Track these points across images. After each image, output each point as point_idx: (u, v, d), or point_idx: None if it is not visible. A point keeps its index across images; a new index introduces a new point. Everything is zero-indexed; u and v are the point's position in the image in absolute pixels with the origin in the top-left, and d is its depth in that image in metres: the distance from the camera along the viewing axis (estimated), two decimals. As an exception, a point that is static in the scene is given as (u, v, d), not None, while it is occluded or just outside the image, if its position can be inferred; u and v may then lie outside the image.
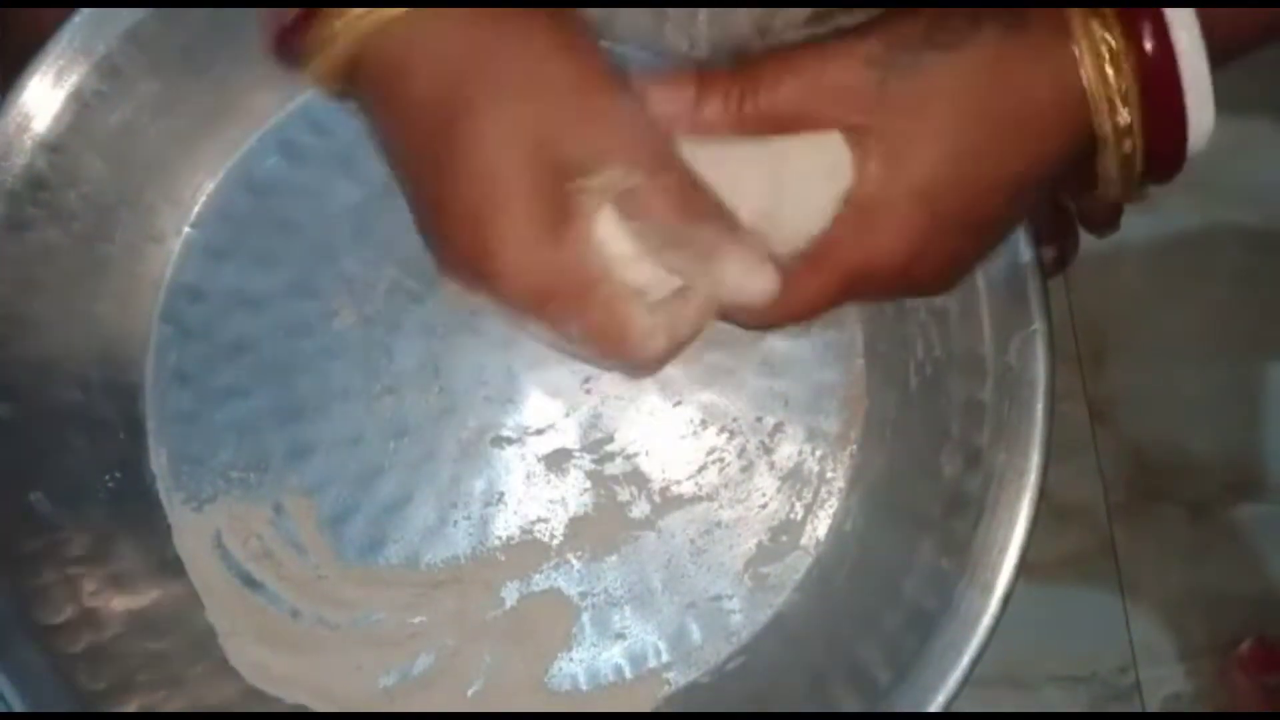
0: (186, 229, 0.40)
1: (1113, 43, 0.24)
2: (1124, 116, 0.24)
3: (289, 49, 0.26)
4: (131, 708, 0.34)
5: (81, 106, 0.36)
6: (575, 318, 0.26)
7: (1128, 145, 0.25)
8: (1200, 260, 0.56)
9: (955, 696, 0.32)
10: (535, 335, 0.27)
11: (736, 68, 0.26)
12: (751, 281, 0.26)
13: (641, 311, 0.26)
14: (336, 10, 0.25)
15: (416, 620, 0.38)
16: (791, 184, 0.26)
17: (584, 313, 0.26)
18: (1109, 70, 0.24)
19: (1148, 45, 0.24)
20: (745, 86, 0.26)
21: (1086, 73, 0.24)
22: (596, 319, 0.26)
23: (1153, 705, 0.53)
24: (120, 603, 0.36)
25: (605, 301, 0.26)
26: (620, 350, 0.26)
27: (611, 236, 0.26)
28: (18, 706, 0.33)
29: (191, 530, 0.39)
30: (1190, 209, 0.58)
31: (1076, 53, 0.24)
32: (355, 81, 0.26)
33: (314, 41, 0.25)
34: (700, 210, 0.26)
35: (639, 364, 0.27)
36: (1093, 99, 0.24)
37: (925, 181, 0.25)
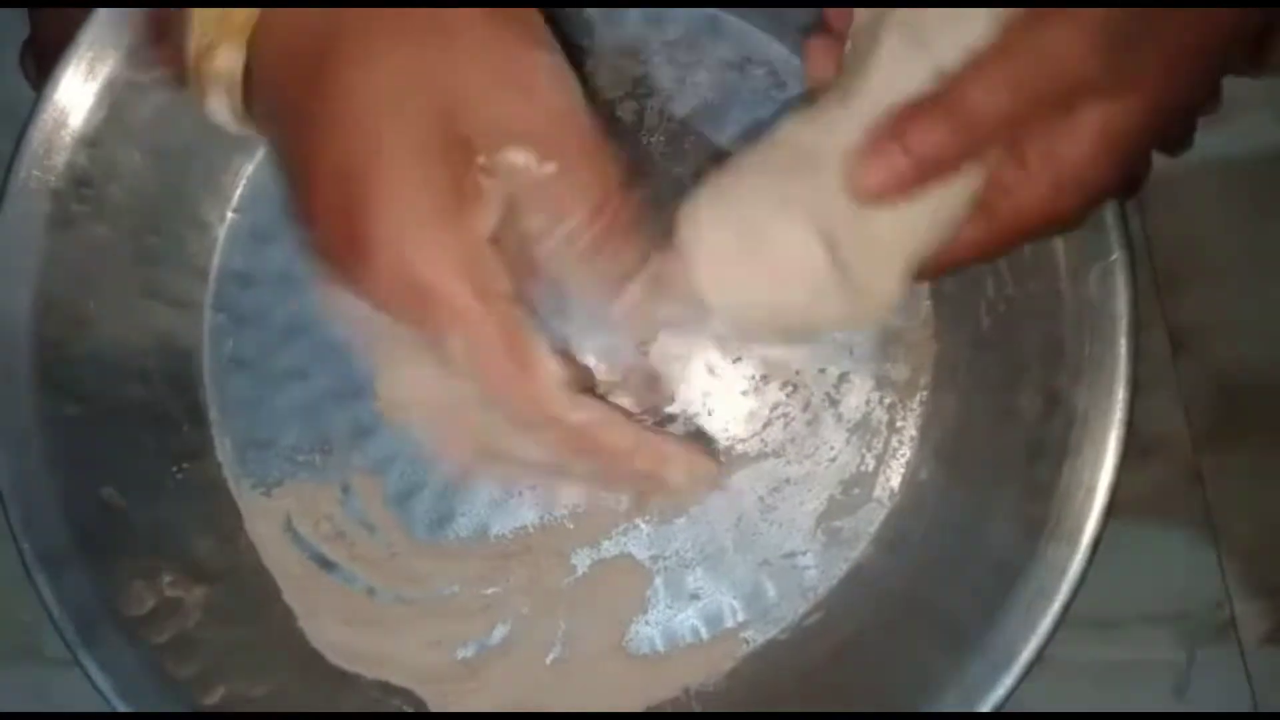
0: (230, 214, 0.40)
1: None
2: None
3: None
4: (219, 694, 0.35)
5: (115, 98, 0.35)
6: (461, 330, 0.21)
7: None
8: (1280, 175, 0.53)
9: (1047, 644, 0.31)
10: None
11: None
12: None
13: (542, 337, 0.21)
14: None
15: (490, 591, 0.38)
16: None
17: (473, 326, 0.21)
18: None
19: None
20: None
21: None
22: (488, 334, 0.21)
23: (1250, 641, 0.52)
24: (199, 591, 0.37)
25: (503, 315, 0.21)
26: (513, 381, 0.21)
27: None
28: (112, 697, 0.33)
29: (262, 515, 0.39)
30: (1268, 122, 0.55)
31: None
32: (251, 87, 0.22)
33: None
34: (624, 223, 0.21)
35: (531, 410, 0.21)
36: None
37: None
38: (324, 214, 0.21)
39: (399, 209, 0.20)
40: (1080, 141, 0.22)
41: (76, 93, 0.35)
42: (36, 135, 0.35)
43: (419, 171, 0.20)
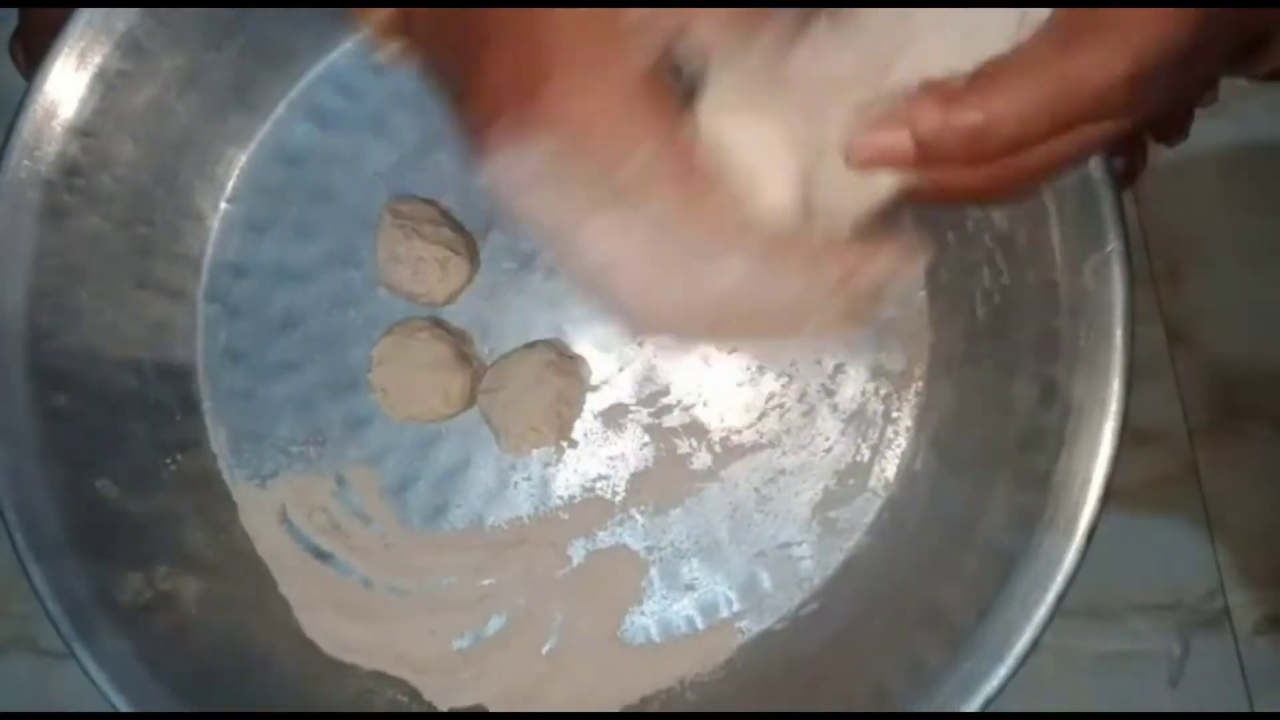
0: (223, 204, 0.40)
1: None
2: None
3: None
4: (215, 686, 0.35)
5: (107, 88, 0.35)
6: (639, 149, 0.21)
7: None
8: (1277, 165, 0.53)
9: (1041, 634, 0.31)
10: (590, 240, 0.22)
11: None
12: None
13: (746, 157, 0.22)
14: None
15: (486, 582, 0.38)
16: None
17: (652, 143, 0.21)
18: None
19: None
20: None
21: None
22: (665, 152, 0.21)
23: (1244, 629, 0.52)
24: (194, 583, 0.36)
25: (677, 136, 0.21)
26: (694, 195, 0.22)
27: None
28: (108, 690, 0.33)
29: (257, 507, 0.39)
30: (1265, 112, 0.55)
31: None
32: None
33: None
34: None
35: (712, 224, 0.22)
36: None
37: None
38: (497, 81, 0.22)
39: (572, 57, 0.22)
40: (1061, 146, 0.21)
41: (67, 82, 0.35)
42: (27, 125, 0.34)
43: (591, 21, 0.22)
